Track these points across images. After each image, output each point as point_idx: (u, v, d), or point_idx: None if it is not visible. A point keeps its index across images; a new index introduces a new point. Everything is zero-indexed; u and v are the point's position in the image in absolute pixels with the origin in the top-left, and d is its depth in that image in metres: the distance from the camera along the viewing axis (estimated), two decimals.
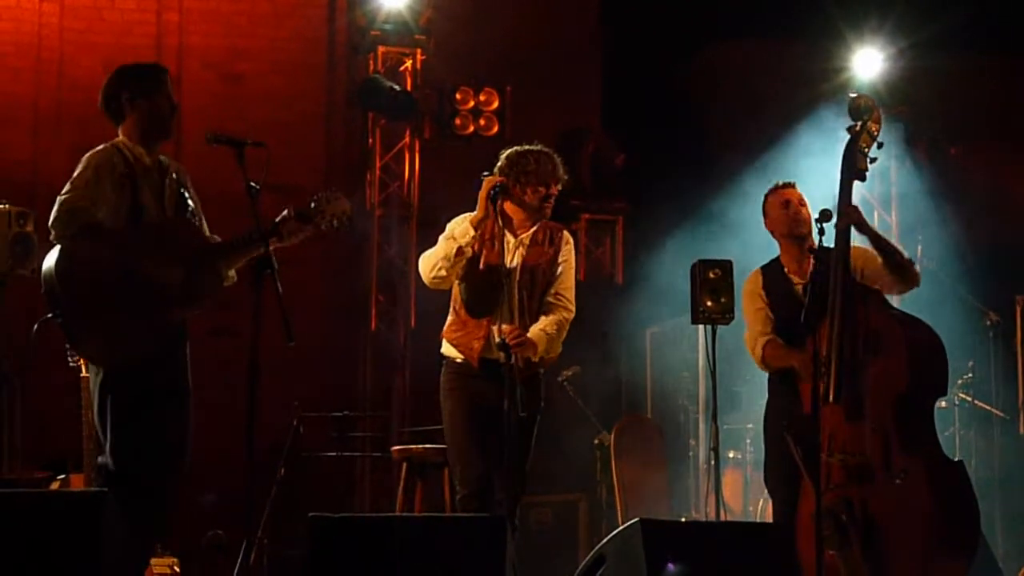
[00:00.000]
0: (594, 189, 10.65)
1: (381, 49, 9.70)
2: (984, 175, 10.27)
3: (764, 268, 5.85)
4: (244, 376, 4.60)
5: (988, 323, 8.56)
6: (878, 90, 9.91)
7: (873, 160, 5.44)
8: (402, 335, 9.68)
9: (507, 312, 5.38)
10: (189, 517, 6.74)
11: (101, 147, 4.83)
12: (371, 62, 9.74)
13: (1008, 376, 8.73)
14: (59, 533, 4.16)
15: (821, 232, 5.39)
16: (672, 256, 8.78)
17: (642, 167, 10.54)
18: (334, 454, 8.20)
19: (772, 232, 5.86)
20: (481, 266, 5.46)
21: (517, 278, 5.44)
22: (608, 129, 10.85)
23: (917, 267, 5.68)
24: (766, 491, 5.93)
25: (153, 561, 6.15)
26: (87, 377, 5.02)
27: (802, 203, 5.73)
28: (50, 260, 4.66)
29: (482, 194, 5.40)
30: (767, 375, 5.81)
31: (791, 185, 5.84)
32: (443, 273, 5.45)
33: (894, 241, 6.00)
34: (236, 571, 4.88)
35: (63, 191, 4.70)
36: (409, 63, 9.79)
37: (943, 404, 5.49)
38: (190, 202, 4.96)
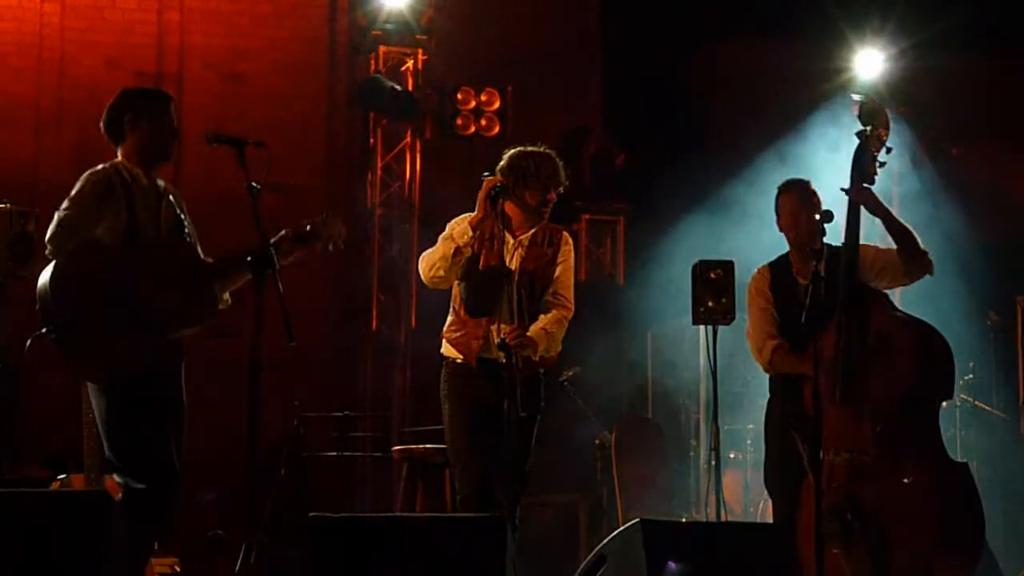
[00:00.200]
0: (595, 189, 10.65)
1: (382, 49, 9.71)
2: (985, 175, 10.26)
3: (772, 265, 5.82)
4: (245, 376, 4.61)
5: (989, 323, 8.56)
6: (879, 90, 9.91)
7: (882, 164, 5.43)
8: (403, 335, 9.68)
9: (506, 312, 5.38)
10: (189, 517, 6.73)
11: (100, 166, 4.86)
12: (372, 62, 9.75)
13: (1008, 376, 8.73)
14: (61, 533, 4.16)
15: (822, 233, 5.39)
16: (673, 256, 8.79)
17: (643, 167, 10.54)
18: (334, 454, 8.20)
19: (781, 230, 5.82)
20: (480, 266, 5.46)
21: (516, 279, 5.44)
22: (609, 129, 10.85)
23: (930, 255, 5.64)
24: (766, 491, 5.93)
25: (153, 561, 6.15)
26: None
27: (814, 209, 5.66)
28: (45, 276, 4.66)
29: (481, 195, 5.40)
30: (768, 375, 5.80)
31: (803, 186, 5.79)
32: (441, 273, 5.46)
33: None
34: (236, 571, 4.88)
35: (61, 207, 4.72)
36: (410, 63, 9.79)
37: (944, 404, 5.50)
38: (186, 224, 5.00)
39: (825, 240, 5.17)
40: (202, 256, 5.02)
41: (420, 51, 9.75)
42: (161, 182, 4.99)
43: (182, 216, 4.99)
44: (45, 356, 4.79)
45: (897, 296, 6.07)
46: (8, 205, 6.69)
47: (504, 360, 5.19)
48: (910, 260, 5.48)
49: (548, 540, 8.18)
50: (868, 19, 9.87)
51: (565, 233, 5.68)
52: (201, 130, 5.10)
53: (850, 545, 5.05)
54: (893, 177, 10.07)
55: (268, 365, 4.63)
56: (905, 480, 5.05)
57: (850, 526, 5.05)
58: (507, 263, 5.44)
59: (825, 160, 9.49)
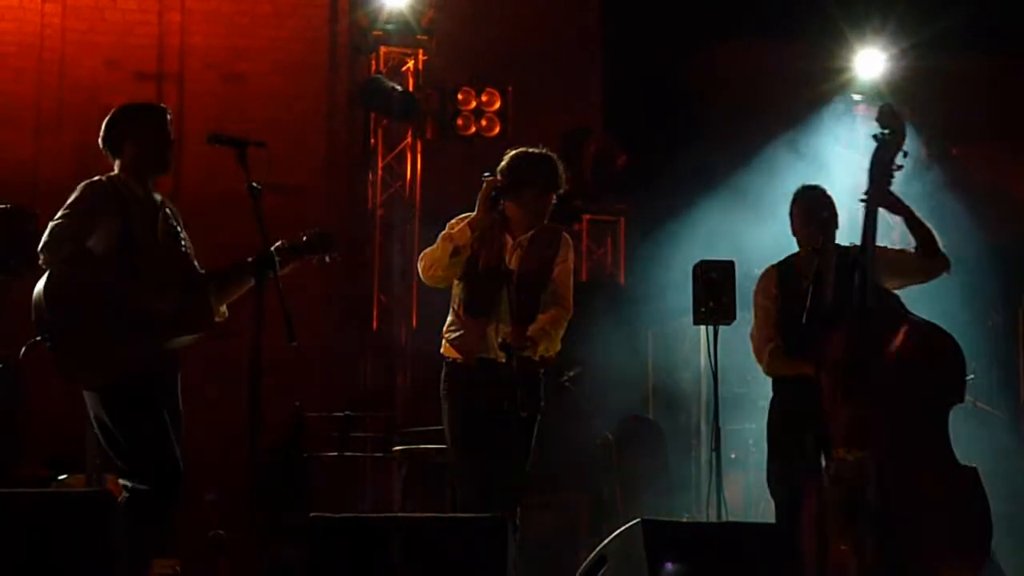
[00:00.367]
0: (596, 189, 10.65)
1: (383, 49, 9.72)
2: (986, 175, 10.27)
3: (779, 266, 5.82)
4: (245, 376, 4.61)
5: (990, 324, 8.56)
6: (880, 90, 9.92)
7: (899, 168, 5.42)
8: (404, 335, 9.68)
9: (505, 312, 5.38)
10: (190, 517, 6.73)
11: (96, 178, 4.90)
12: (373, 62, 9.76)
13: (1010, 377, 8.73)
14: (63, 533, 4.16)
15: (823, 232, 5.39)
16: (674, 257, 8.78)
17: (643, 167, 10.54)
18: (335, 454, 8.20)
19: (794, 234, 5.82)
20: (480, 267, 5.46)
21: (515, 279, 5.43)
22: (609, 129, 10.86)
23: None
24: (768, 491, 5.92)
25: (155, 561, 6.15)
26: None
27: (825, 222, 5.67)
28: (40, 285, 4.70)
29: (482, 195, 5.40)
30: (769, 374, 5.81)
31: (816, 192, 5.78)
32: (440, 272, 5.46)
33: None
34: (237, 571, 4.88)
35: (56, 217, 4.76)
36: (411, 63, 9.80)
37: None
38: (183, 237, 5.04)
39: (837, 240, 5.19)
40: (198, 267, 5.05)
41: (421, 51, 9.76)
42: (158, 196, 5.03)
43: (179, 228, 5.04)
44: (47, 357, 4.80)
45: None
46: (8, 206, 6.71)
47: (504, 360, 5.20)
48: (929, 259, 5.52)
49: (549, 540, 8.17)
50: (868, 19, 9.88)
51: (565, 234, 5.68)
52: (202, 130, 5.11)
53: (859, 541, 5.05)
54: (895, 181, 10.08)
55: (269, 365, 4.63)
56: (914, 482, 5.06)
57: (859, 522, 5.04)
58: (506, 263, 5.43)
59: (825, 160, 9.51)
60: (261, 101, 9.58)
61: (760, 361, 5.72)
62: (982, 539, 5.07)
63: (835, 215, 5.77)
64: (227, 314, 5.11)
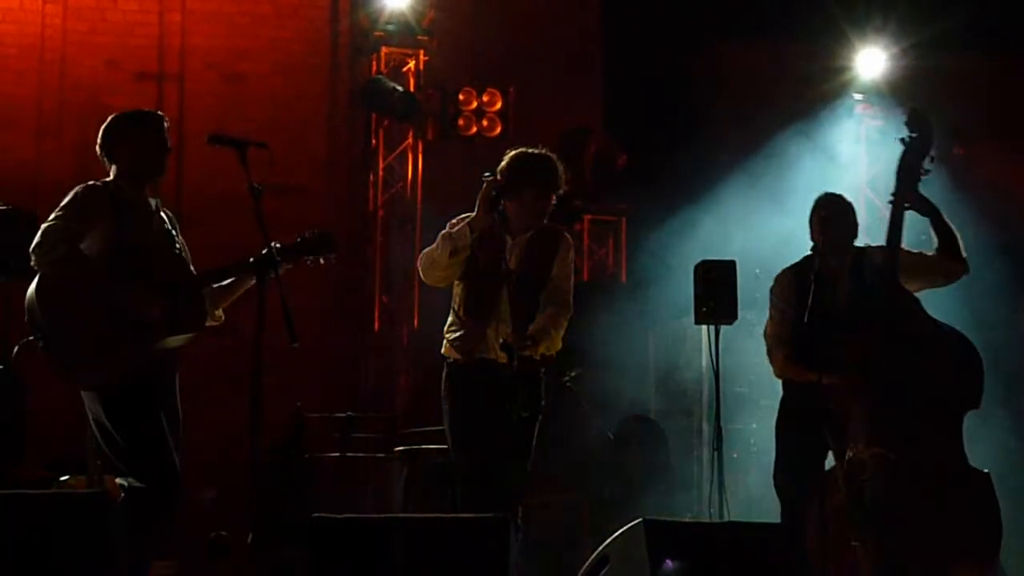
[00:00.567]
0: (597, 189, 10.65)
1: (384, 50, 9.72)
2: (987, 175, 10.26)
3: (795, 267, 5.80)
4: (247, 376, 4.62)
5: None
6: (881, 89, 9.92)
7: (927, 172, 5.42)
8: (405, 336, 9.68)
9: (505, 313, 5.38)
10: (190, 518, 6.73)
11: (91, 182, 4.95)
12: (374, 63, 9.76)
13: (1013, 378, 8.71)
14: (64, 535, 4.16)
15: (823, 231, 5.39)
16: (675, 256, 8.78)
17: (644, 167, 10.54)
18: (337, 455, 8.20)
19: (812, 239, 5.81)
20: (480, 267, 5.46)
21: (515, 279, 5.43)
22: (610, 129, 10.85)
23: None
24: (774, 490, 5.90)
25: (155, 563, 6.15)
26: None
27: (844, 233, 5.67)
28: (32, 286, 4.75)
29: (481, 196, 5.40)
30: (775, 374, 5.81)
31: (835, 201, 5.77)
32: (440, 272, 5.47)
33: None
34: (238, 572, 4.89)
35: (49, 219, 4.81)
36: (412, 64, 9.80)
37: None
38: (178, 241, 5.08)
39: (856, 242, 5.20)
40: (192, 270, 5.09)
41: (422, 52, 9.76)
42: (154, 201, 5.07)
43: (174, 233, 5.08)
44: (44, 358, 4.82)
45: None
46: (10, 207, 6.72)
47: (505, 360, 5.20)
48: (950, 261, 5.54)
49: (551, 540, 8.17)
50: (870, 19, 9.88)
51: (565, 234, 5.68)
52: (202, 131, 5.13)
53: (870, 537, 5.05)
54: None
55: (270, 366, 4.64)
56: (926, 483, 5.06)
57: (872, 519, 5.05)
58: (506, 264, 5.43)
59: (826, 159, 9.50)
60: (262, 102, 9.58)
61: (772, 363, 5.72)
62: (991, 543, 5.08)
63: (854, 222, 5.75)
64: (223, 317, 5.15)
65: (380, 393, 9.60)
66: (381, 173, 9.87)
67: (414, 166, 9.86)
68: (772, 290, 5.81)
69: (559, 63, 10.48)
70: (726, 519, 6.79)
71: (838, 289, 5.56)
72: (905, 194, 5.38)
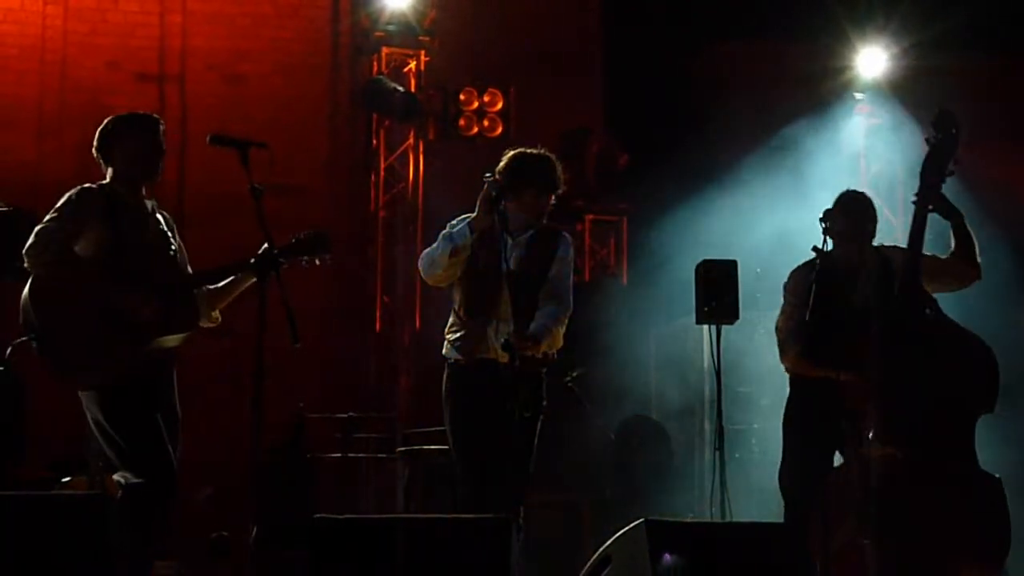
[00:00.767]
0: (598, 189, 10.65)
1: (385, 50, 9.71)
2: (989, 175, 10.25)
3: (811, 263, 5.77)
4: (247, 376, 4.62)
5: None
6: (882, 89, 9.91)
7: (951, 173, 5.41)
8: (407, 336, 9.68)
9: (505, 313, 5.38)
10: (191, 519, 6.73)
11: (87, 184, 4.99)
12: (375, 63, 9.76)
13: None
14: (65, 535, 4.17)
15: (825, 232, 5.39)
16: (676, 256, 8.78)
17: (645, 167, 10.54)
18: (338, 455, 8.20)
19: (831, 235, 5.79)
20: (480, 267, 5.46)
21: (515, 279, 5.42)
22: (611, 129, 10.85)
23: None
24: (778, 490, 5.89)
25: (155, 563, 6.15)
26: None
27: (865, 230, 5.67)
28: (26, 287, 4.79)
29: (482, 197, 5.40)
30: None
31: (857, 198, 5.77)
32: (440, 272, 5.47)
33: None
34: (239, 573, 4.89)
35: (43, 220, 4.85)
36: (413, 64, 9.79)
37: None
38: (173, 243, 5.10)
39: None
40: (188, 271, 5.12)
41: (423, 52, 9.75)
42: (150, 203, 5.11)
43: (169, 234, 5.11)
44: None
45: None
46: (11, 208, 6.72)
47: (506, 360, 5.20)
48: (967, 265, 5.56)
49: (552, 540, 8.17)
50: (871, 18, 9.88)
51: (565, 234, 5.69)
52: (203, 132, 5.13)
53: (880, 535, 5.05)
54: (899, 177, 10.08)
55: (272, 366, 4.64)
56: (936, 484, 5.06)
57: (881, 518, 5.04)
58: (506, 264, 5.43)
59: (827, 159, 9.49)
60: (263, 102, 9.58)
61: (784, 357, 5.71)
62: (999, 548, 5.08)
63: (875, 220, 5.75)
64: (219, 319, 5.18)
65: (381, 393, 9.60)
66: (382, 173, 9.87)
67: (415, 166, 9.85)
68: (786, 285, 5.79)
69: (560, 64, 10.48)
70: (728, 519, 6.79)
71: (856, 287, 5.56)
72: (929, 195, 5.38)
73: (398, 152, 9.91)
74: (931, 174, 5.38)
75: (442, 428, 5.62)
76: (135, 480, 4.77)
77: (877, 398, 5.16)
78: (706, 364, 8.74)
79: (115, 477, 4.87)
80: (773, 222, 8.40)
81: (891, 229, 9.74)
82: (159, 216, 5.11)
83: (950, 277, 5.57)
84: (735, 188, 9.18)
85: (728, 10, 10.10)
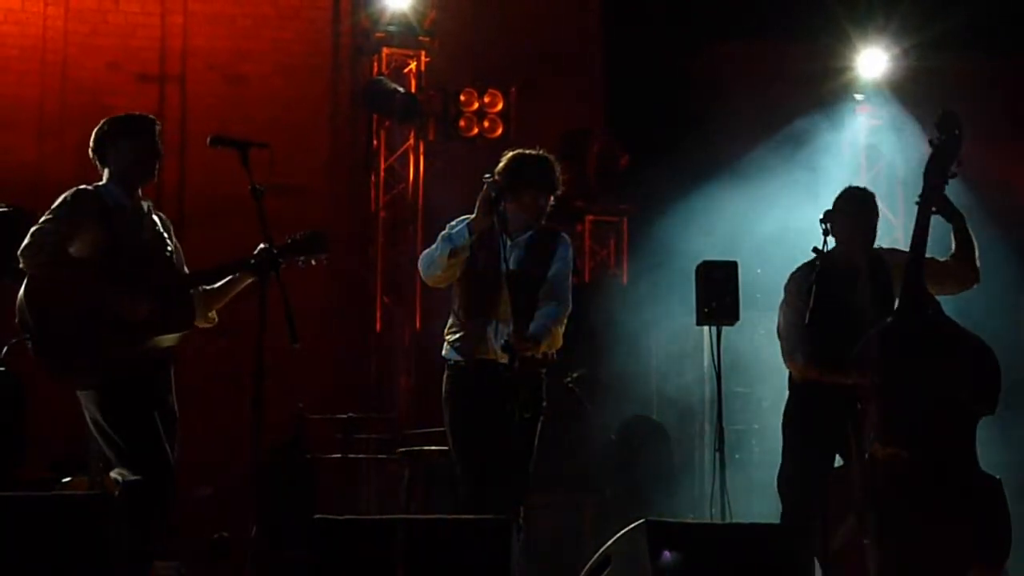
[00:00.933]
0: (598, 190, 10.64)
1: (385, 51, 9.72)
2: (990, 175, 10.25)
3: (811, 265, 5.76)
4: (247, 376, 4.62)
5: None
6: (882, 90, 9.91)
7: (954, 175, 5.41)
8: (407, 337, 9.68)
9: (505, 313, 5.38)
10: (191, 519, 6.73)
11: (83, 186, 5.00)
12: (375, 64, 9.76)
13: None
14: (65, 535, 4.17)
15: (825, 233, 5.39)
16: (677, 257, 8.78)
17: (646, 168, 10.54)
18: (339, 456, 8.20)
19: (833, 234, 5.78)
20: (479, 268, 5.46)
21: (514, 280, 5.42)
22: (611, 130, 10.84)
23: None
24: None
25: (155, 563, 6.15)
26: None
27: (867, 229, 5.66)
28: (22, 288, 4.81)
29: (481, 198, 5.40)
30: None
31: (860, 196, 5.76)
32: (439, 272, 5.47)
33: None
34: (239, 573, 4.89)
35: (39, 221, 4.88)
36: (413, 65, 9.79)
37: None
38: (169, 244, 5.12)
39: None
40: (183, 271, 5.14)
41: (423, 53, 9.75)
42: (146, 204, 5.12)
43: (166, 235, 5.12)
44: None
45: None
46: (12, 208, 6.72)
47: (506, 361, 5.20)
48: (967, 269, 5.56)
49: (553, 541, 8.17)
50: (871, 19, 9.88)
51: (564, 235, 5.69)
52: (204, 132, 5.14)
53: (880, 536, 5.05)
54: (899, 177, 10.08)
55: (272, 366, 4.65)
56: (936, 484, 5.06)
57: (883, 518, 5.04)
58: (505, 264, 5.43)
59: (828, 159, 9.50)
60: (263, 103, 9.59)
61: (791, 363, 5.68)
62: (999, 549, 5.08)
63: (876, 219, 5.74)
64: (216, 319, 5.19)
65: (382, 394, 9.60)
66: (382, 174, 9.87)
67: (415, 167, 9.85)
68: (787, 287, 5.76)
69: (561, 64, 10.48)
70: (728, 519, 6.79)
71: (856, 287, 5.56)
72: (932, 197, 5.37)
73: (398, 153, 9.91)
74: (934, 175, 5.37)
75: (442, 429, 5.63)
76: (132, 477, 4.79)
77: (878, 399, 5.17)
78: (706, 365, 8.75)
79: (112, 474, 4.89)
80: (774, 222, 8.40)
81: (891, 229, 9.75)
82: (155, 217, 5.13)
83: (950, 280, 5.57)
84: (735, 188, 9.18)
85: (728, 10, 10.10)
